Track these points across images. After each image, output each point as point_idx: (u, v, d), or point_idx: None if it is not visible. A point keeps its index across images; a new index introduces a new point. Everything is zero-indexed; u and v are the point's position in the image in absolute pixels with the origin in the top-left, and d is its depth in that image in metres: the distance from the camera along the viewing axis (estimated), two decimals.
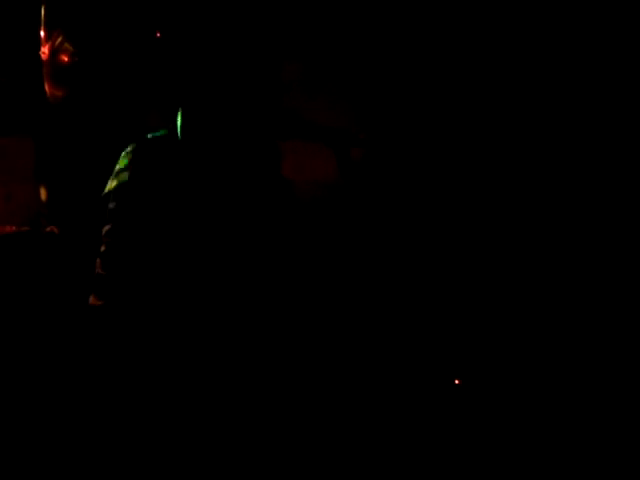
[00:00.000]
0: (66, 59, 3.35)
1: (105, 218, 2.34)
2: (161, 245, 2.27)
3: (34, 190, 3.57)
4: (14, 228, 3.50)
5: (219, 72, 2.42)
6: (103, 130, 3.42)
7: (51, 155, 3.54)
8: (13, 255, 3.25)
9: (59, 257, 3.27)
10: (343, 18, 3.43)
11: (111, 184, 2.39)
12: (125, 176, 2.34)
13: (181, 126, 2.39)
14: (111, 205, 2.34)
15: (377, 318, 2.89)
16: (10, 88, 3.60)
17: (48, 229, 3.45)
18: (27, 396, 2.83)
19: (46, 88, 3.40)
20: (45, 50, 3.37)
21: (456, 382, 3.02)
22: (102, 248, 2.34)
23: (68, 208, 3.48)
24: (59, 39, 3.36)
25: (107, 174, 3.21)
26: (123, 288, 2.27)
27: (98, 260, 2.33)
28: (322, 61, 3.48)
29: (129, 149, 2.41)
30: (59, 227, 3.42)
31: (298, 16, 3.38)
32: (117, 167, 2.41)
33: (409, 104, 3.46)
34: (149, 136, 2.44)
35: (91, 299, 2.32)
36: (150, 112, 3.30)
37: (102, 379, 2.41)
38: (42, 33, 3.38)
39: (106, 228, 2.34)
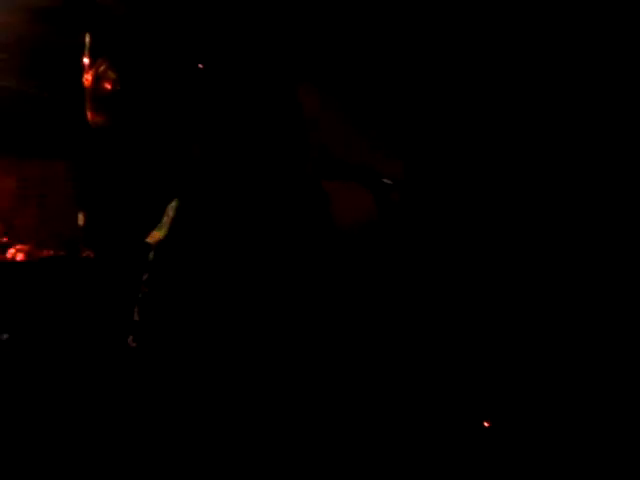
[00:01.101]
0: (109, 87, 3.37)
1: (145, 266, 2.41)
2: (194, 301, 2.34)
3: (72, 215, 3.60)
4: (51, 252, 3.53)
5: (256, 107, 2.46)
6: (143, 159, 3.44)
7: (90, 181, 3.57)
8: (49, 279, 3.28)
9: (95, 282, 3.29)
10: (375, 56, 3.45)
11: (153, 235, 2.46)
12: (165, 232, 2.41)
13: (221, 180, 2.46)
14: (150, 256, 2.41)
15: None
16: (51, 113, 3.63)
17: (84, 254, 3.47)
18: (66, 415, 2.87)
19: (87, 114, 3.42)
20: (88, 77, 3.39)
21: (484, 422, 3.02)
22: (140, 295, 2.42)
23: (105, 234, 3.51)
24: (102, 67, 3.38)
25: (144, 203, 3.24)
26: (155, 336, 2.34)
27: (136, 307, 2.41)
28: (356, 99, 3.50)
29: (173, 204, 2.48)
30: (95, 252, 3.44)
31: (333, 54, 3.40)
32: (163, 219, 2.48)
33: (442, 143, 3.47)
34: (194, 190, 2.51)
35: (129, 340, 2.39)
36: (192, 143, 3.32)
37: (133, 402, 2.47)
38: (86, 60, 3.41)
39: (145, 277, 2.41)
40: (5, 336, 3.07)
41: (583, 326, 3.17)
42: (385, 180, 2.56)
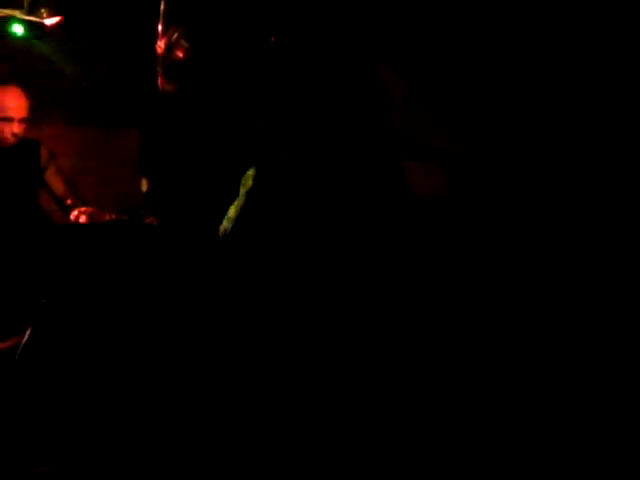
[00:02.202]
0: (181, 55, 3.38)
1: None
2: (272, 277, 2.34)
3: (136, 181, 3.62)
4: (113, 216, 3.55)
5: (329, 84, 2.45)
6: (210, 128, 3.45)
7: (156, 148, 3.58)
8: (111, 244, 3.30)
9: (156, 249, 3.30)
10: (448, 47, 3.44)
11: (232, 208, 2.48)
12: (241, 202, 2.43)
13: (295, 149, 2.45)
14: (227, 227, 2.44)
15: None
16: (121, 79, 3.65)
17: (147, 220, 3.48)
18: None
19: (158, 82, 3.44)
20: (161, 44, 3.40)
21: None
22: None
23: (168, 201, 3.52)
24: (175, 35, 3.39)
25: (209, 172, 3.25)
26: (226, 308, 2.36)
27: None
28: (428, 82, 3.49)
29: (250, 173, 2.47)
30: (158, 219, 3.45)
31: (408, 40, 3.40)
32: (240, 190, 2.48)
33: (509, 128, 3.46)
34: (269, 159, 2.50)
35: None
36: (258, 115, 3.33)
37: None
38: (159, 27, 3.42)
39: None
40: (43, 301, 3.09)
41: (583, 325, 3.16)
42: (458, 161, 2.55)
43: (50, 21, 3.76)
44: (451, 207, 2.54)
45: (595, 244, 3.30)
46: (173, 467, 2.44)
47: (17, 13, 3.75)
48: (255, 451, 2.34)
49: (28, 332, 3.07)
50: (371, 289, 2.35)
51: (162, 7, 3.41)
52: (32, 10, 3.71)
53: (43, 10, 3.72)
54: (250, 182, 2.45)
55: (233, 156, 3.34)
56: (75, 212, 3.61)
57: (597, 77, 3.41)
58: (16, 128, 3.82)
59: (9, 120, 3.80)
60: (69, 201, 3.86)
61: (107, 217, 3.55)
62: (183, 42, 3.39)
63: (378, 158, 2.44)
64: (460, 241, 2.59)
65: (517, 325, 3.06)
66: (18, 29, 3.81)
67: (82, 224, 3.54)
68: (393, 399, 2.50)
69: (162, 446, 2.68)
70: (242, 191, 2.47)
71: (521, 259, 3.22)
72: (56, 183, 3.96)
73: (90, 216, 3.56)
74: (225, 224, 2.45)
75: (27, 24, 3.75)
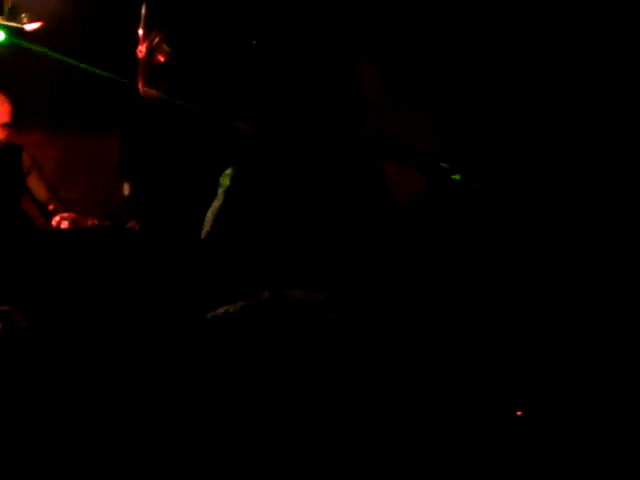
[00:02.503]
0: (162, 59, 3.38)
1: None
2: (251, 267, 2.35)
3: (118, 185, 3.61)
4: (95, 221, 3.53)
5: (308, 84, 2.46)
6: (190, 132, 3.45)
7: (137, 152, 3.57)
8: (93, 248, 3.28)
9: (139, 253, 3.29)
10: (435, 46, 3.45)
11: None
12: (220, 202, 2.44)
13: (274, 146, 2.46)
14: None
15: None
16: (102, 84, 3.64)
17: (129, 224, 3.47)
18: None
19: (139, 86, 3.44)
20: (142, 49, 3.40)
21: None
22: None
23: (150, 205, 3.51)
24: (157, 39, 3.40)
25: (189, 175, 3.24)
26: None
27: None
28: (414, 84, 3.49)
29: (228, 172, 2.48)
30: (140, 223, 3.44)
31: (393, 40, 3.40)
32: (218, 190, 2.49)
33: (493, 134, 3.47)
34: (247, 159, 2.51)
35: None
36: (239, 117, 3.33)
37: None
38: (140, 32, 3.42)
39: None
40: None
41: (583, 325, 3.16)
42: (442, 164, 2.55)
43: (31, 27, 3.75)
44: (429, 211, 2.54)
45: (581, 248, 3.30)
46: (166, 467, 2.42)
47: None
48: (253, 450, 2.34)
49: None
50: (347, 288, 2.36)
51: (143, 12, 3.41)
52: (12, 16, 3.70)
53: (24, 15, 3.71)
54: (228, 182, 2.46)
55: (213, 159, 3.34)
56: (57, 218, 3.60)
57: (580, 74, 3.42)
58: None
59: None
60: (51, 207, 3.84)
61: (89, 222, 3.53)
62: (164, 46, 3.39)
63: (356, 158, 2.45)
64: (438, 244, 2.60)
65: (496, 327, 3.06)
66: None
67: (64, 230, 3.53)
68: (387, 401, 2.50)
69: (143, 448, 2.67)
70: (220, 191, 2.48)
71: (499, 265, 3.23)
72: (38, 189, 3.93)
73: (72, 222, 3.55)
74: (205, 225, 2.46)
75: (8, 30, 3.74)
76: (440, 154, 2.79)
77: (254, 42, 3.37)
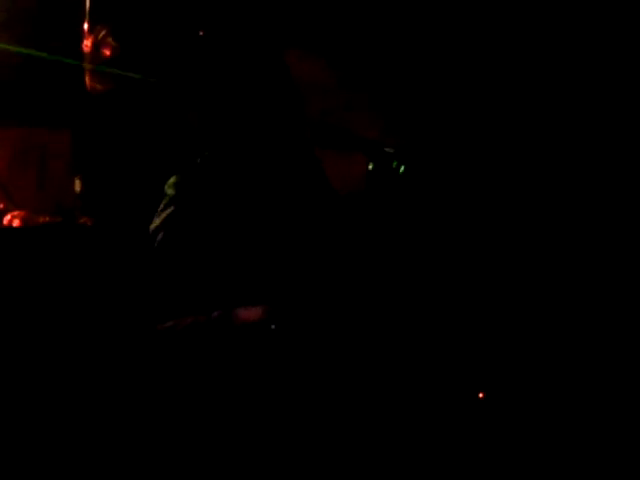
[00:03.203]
0: (108, 53, 3.36)
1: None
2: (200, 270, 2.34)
3: (70, 182, 3.58)
4: (47, 218, 3.51)
5: (254, 73, 2.46)
6: (140, 125, 3.42)
7: (87, 147, 3.55)
8: (45, 246, 3.26)
9: (91, 249, 3.27)
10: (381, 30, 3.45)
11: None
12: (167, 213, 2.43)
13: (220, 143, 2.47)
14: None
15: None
16: (49, 79, 3.61)
17: (81, 221, 3.45)
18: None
19: (86, 81, 3.41)
20: (87, 43, 3.38)
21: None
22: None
23: (102, 201, 3.49)
24: (102, 33, 3.37)
25: (142, 170, 3.21)
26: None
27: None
28: (359, 69, 3.49)
29: (172, 181, 2.48)
30: (92, 219, 3.42)
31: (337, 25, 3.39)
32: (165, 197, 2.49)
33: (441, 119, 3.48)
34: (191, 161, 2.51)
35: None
36: (189, 110, 3.31)
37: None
38: (85, 26, 3.39)
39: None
40: None
41: (583, 324, 3.17)
42: (386, 149, 2.56)
43: None
44: (368, 201, 2.55)
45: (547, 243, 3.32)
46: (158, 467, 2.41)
47: None
48: (250, 450, 2.34)
49: None
50: (296, 287, 2.37)
51: (87, 5, 3.38)
52: None
53: None
54: (172, 190, 2.47)
55: (165, 153, 3.32)
56: (8, 216, 3.57)
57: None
58: None
59: None
60: (1, 205, 3.80)
61: (41, 220, 3.51)
62: (110, 40, 3.37)
63: (292, 149, 2.46)
64: (376, 237, 2.61)
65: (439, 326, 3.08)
66: None
67: (15, 228, 3.50)
68: (379, 402, 2.52)
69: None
70: (166, 198, 2.48)
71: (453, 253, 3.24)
72: None
73: (23, 220, 3.52)
74: (156, 232, 2.45)
75: None
76: (385, 139, 2.79)
77: (201, 33, 3.36)
